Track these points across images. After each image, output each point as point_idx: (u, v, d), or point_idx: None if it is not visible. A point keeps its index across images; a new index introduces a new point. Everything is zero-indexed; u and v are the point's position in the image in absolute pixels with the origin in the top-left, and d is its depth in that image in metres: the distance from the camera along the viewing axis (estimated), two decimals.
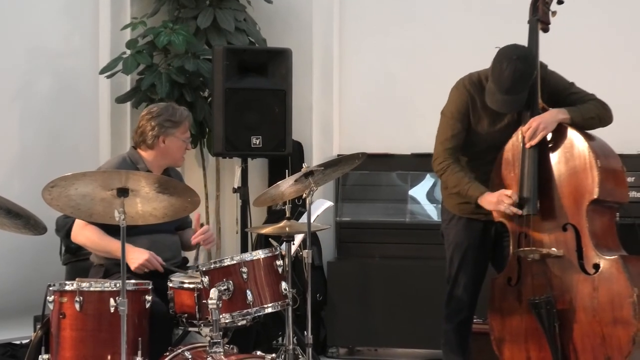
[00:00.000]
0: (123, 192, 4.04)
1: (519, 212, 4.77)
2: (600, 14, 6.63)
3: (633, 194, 5.93)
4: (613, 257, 4.68)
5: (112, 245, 4.75)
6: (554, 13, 5.08)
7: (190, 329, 4.60)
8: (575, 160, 4.79)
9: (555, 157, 4.85)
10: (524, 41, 4.97)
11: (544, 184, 4.82)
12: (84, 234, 4.85)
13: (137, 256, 4.72)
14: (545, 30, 5.06)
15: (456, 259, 5.07)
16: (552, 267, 4.78)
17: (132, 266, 4.69)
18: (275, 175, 6.91)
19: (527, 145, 4.83)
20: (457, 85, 5.03)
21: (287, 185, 4.70)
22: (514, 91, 4.76)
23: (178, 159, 5.09)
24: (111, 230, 4.64)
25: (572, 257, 4.74)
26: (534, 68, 4.83)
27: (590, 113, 4.89)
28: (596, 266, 4.69)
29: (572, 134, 4.81)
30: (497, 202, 4.80)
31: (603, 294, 4.65)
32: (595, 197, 4.71)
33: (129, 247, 4.69)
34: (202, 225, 4.99)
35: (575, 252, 4.74)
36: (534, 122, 4.82)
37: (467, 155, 5.03)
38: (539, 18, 5.04)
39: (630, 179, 5.69)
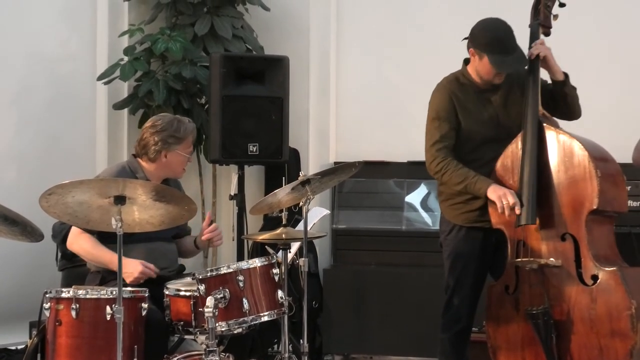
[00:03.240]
0: (120, 200, 4.05)
1: (518, 209, 4.72)
2: (591, 22, 6.64)
3: (629, 203, 5.90)
4: (612, 268, 4.65)
5: (104, 257, 4.74)
6: (556, 17, 5.05)
7: (186, 336, 4.60)
8: (575, 169, 4.76)
9: (554, 166, 4.82)
10: (524, 46, 4.97)
11: (543, 193, 4.79)
12: (78, 242, 4.83)
13: (130, 270, 4.68)
14: (547, 34, 5.05)
15: (456, 270, 5.02)
16: (550, 277, 4.76)
17: (128, 280, 4.65)
18: (271, 182, 6.92)
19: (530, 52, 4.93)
20: (436, 89, 5.04)
21: (284, 194, 4.70)
22: (514, 46, 4.83)
23: (179, 172, 5.06)
24: (108, 237, 4.62)
25: (571, 268, 4.72)
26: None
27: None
28: (594, 277, 4.67)
29: (572, 142, 4.78)
30: (504, 194, 4.75)
31: (601, 306, 4.63)
32: (595, 207, 4.68)
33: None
34: (212, 223, 5.02)
35: (574, 263, 4.72)
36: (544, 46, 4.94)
37: (464, 155, 4.96)
38: (541, 22, 5.02)
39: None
